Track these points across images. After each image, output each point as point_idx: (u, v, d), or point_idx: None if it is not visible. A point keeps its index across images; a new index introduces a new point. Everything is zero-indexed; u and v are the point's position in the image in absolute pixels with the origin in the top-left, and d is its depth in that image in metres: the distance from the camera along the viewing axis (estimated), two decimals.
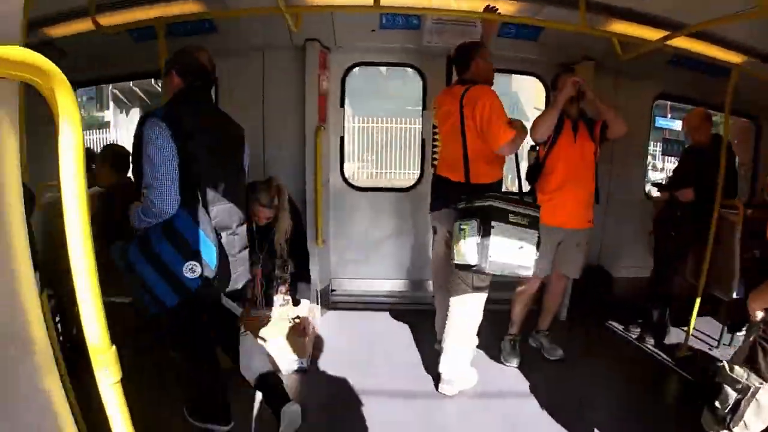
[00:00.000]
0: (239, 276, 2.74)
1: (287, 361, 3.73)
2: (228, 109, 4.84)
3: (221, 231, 2.55)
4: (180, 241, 2.39)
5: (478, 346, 3.82)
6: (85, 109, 17.98)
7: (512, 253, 3.13)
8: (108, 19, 3.73)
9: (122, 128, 15.73)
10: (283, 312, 4.18)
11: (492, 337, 4.05)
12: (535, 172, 3.88)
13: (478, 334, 3.64)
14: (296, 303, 4.23)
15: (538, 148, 3.88)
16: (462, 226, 3.21)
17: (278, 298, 4.30)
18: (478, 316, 3.51)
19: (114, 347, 0.95)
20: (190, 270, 2.38)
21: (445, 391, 3.54)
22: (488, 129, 3.28)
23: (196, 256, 2.40)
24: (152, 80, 15.43)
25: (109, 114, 17.46)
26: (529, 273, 3.23)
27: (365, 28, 4.42)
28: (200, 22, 4.23)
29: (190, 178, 2.41)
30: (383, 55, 5.04)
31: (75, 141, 0.82)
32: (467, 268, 3.21)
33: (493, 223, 3.08)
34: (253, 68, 4.77)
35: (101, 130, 16.50)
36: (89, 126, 17.10)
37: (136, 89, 16.46)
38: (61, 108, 0.80)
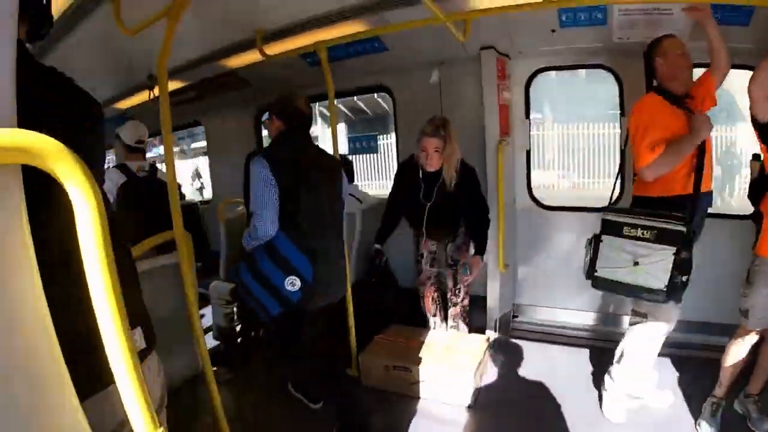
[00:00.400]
0: (336, 291, 3.14)
1: (450, 394, 3.42)
2: (404, 127, 4.86)
3: (317, 250, 2.83)
4: (280, 259, 2.76)
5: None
6: None
7: (625, 271, 2.74)
8: (274, 48, 3.83)
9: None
10: (453, 338, 3.88)
11: (699, 393, 3.26)
12: (759, 189, 2.98)
13: (680, 385, 3.19)
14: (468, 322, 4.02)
15: (762, 157, 2.94)
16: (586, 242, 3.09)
17: (450, 321, 4.07)
18: (638, 349, 3.06)
19: (162, 429, 0.89)
20: (291, 284, 2.74)
21: (604, 408, 3.29)
22: (633, 146, 2.85)
23: (295, 272, 2.75)
24: (354, 98, 16.36)
25: (317, 129, 18.77)
26: (658, 298, 2.70)
27: (544, 28, 3.91)
28: (370, 42, 4.17)
29: (287, 207, 2.77)
30: (569, 57, 4.40)
31: (89, 210, 0.76)
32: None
33: (602, 237, 2.91)
34: (428, 84, 4.58)
35: None
36: None
37: (341, 106, 17.46)
38: (64, 179, 0.75)
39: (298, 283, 2.74)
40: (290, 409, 3.45)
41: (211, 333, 4.32)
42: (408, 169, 3.81)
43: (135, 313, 1.40)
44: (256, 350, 4.27)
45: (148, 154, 8.46)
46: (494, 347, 4.18)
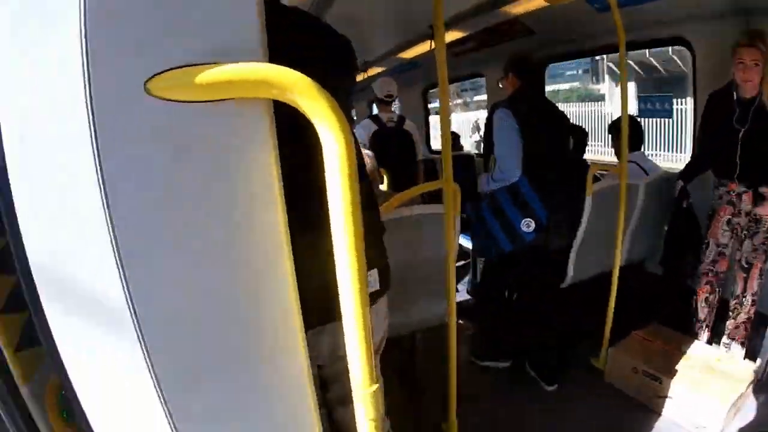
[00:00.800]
0: (565, 236, 3.27)
1: (696, 422, 2.84)
2: (706, 90, 4.09)
3: (553, 197, 3.08)
4: (521, 202, 3.04)
5: None
6: (581, 82, 18.58)
7: None
8: None
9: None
10: (717, 357, 3.18)
11: None
12: None
13: None
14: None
15: None
16: None
17: (723, 338, 3.36)
18: None
19: (377, 386, 0.88)
20: (526, 225, 3.04)
21: None
22: None
23: (532, 214, 3.04)
24: (646, 53, 14.84)
25: (604, 86, 17.60)
26: None
27: None
28: None
29: (529, 154, 2.99)
30: None
31: (338, 148, 0.75)
32: None
33: None
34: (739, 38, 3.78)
35: (597, 103, 16.69)
36: (583, 98, 17.60)
37: (629, 61, 15.96)
38: (313, 116, 0.75)
39: (533, 225, 3.04)
40: (523, 383, 3.29)
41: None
42: (720, 97, 3.27)
43: (373, 256, 1.41)
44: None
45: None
46: (762, 380, 3.24)
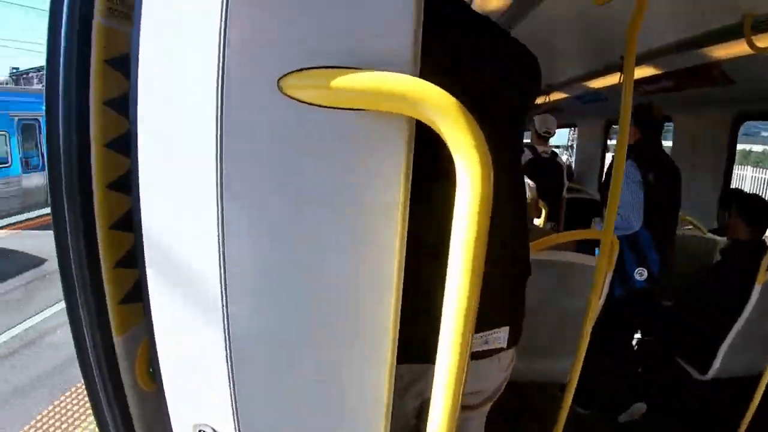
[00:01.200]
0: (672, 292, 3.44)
1: None
2: None
3: (667, 248, 3.24)
4: (638, 250, 3.17)
5: None
6: None
7: None
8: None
9: None
10: None
11: None
12: None
13: None
14: None
15: None
16: None
17: None
18: None
19: None
20: (639, 274, 3.17)
21: None
22: None
23: (646, 264, 3.18)
24: None
25: None
26: None
27: None
28: None
29: (649, 205, 3.09)
30: None
31: (472, 188, 0.66)
32: None
33: None
34: None
35: None
36: None
37: None
38: (451, 143, 0.66)
39: (645, 274, 3.15)
40: None
41: None
42: None
43: (508, 311, 1.34)
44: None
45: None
46: None
